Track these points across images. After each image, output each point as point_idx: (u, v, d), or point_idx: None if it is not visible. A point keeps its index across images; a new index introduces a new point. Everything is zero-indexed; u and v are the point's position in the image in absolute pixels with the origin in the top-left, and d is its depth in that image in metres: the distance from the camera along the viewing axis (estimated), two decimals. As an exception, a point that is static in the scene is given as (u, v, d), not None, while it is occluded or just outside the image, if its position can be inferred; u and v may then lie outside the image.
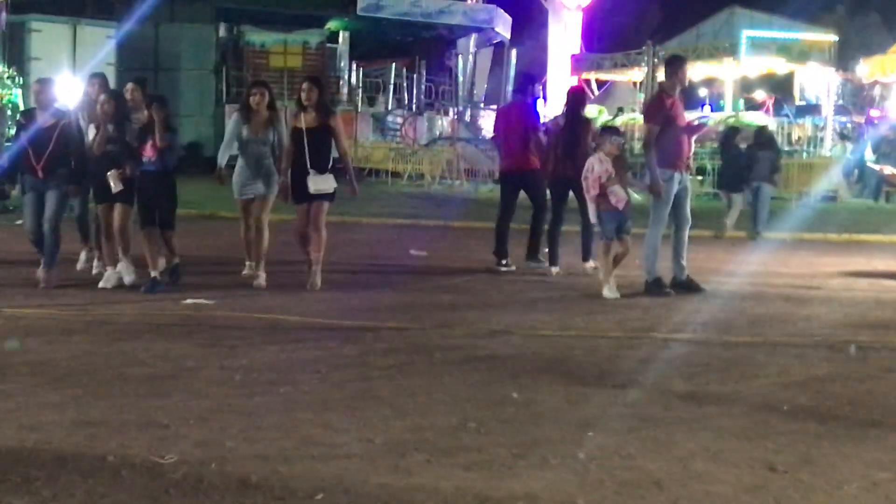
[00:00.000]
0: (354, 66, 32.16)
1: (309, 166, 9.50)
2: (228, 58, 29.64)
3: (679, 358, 6.97)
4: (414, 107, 33.25)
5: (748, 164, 16.10)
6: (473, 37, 34.79)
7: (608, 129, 10.39)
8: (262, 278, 9.75)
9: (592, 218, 9.89)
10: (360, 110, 31.13)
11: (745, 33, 28.90)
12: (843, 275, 11.68)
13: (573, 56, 36.76)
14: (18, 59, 24.86)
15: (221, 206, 17.13)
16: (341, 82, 31.27)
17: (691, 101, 38.36)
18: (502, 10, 34.85)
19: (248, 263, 10.31)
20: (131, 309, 8.44)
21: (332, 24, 31.22)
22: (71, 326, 7.57)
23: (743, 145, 17.06)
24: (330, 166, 9.64)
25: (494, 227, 11.61)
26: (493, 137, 12.36)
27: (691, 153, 10.33)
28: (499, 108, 12.80)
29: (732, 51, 29.23)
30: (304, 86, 9.65)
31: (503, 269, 11.24)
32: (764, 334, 7.93)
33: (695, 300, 9.44)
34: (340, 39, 31.42)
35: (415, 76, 34.09)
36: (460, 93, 34.26)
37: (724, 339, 7.67)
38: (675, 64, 10.14)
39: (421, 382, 6.12)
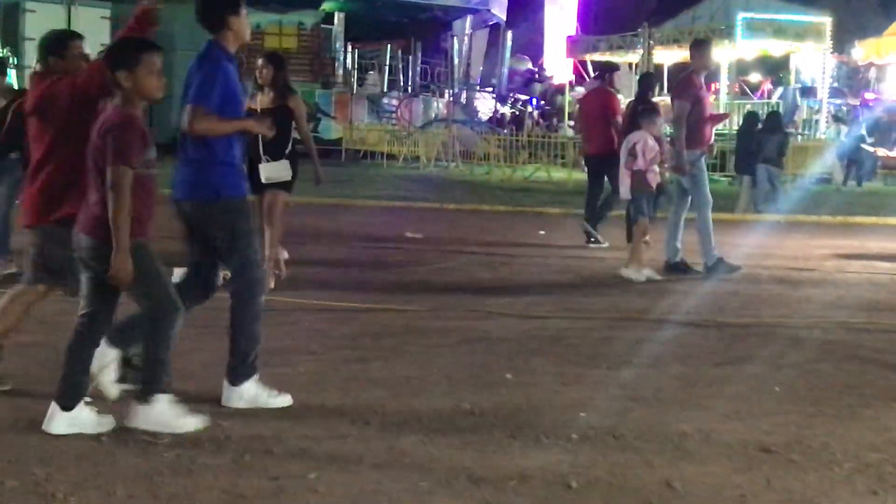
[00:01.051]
0: (349, 48, 32.06)
1: (262, 152, 8.32)
2: (223, 39, 29.49)
3: (673, 340, 6.98)
4: (409, 89, 33.17)
5: (758, 147, 16.34)
6: (469, 18, 34.68)
7: (649, 109, 10.34)
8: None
9: (626, 194, 9.90)
10: (354, 92, 31.04)
11: (741, 15, 28.80)
12: (837, 257, 11.71)
13: (569, 38, 36.60)
14: (13, 40, 24.78)
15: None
16: (336, 64, 31.17)
17: (687, 84, 38.29)
18: (498, -9, 34.74)
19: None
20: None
21: (327, 5, 31.10)
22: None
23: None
24: (288, 151, 8.56)
25: (584, 207, 12.15)
26: (574, 123, 12.92)
27: (712, 139, 10.67)
28: (580, 97, 13.48)
29: (728, 33, 29.13)
30: (259, 62, 8.62)
31: (593, 244, 11.74)
32: (757, 316, 7.95)
33: (688, 282, 9.46)
34: (336, 20, 31.31)
35: (410, 58, 33.98)
36: (456, 75, 34.18)
37: (718, 320, 7.69)
38: (702, 46, 10.30)
39: (415, 364, 6.13)
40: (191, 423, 4.68)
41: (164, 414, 4.65)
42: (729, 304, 8.43)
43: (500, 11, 35.09)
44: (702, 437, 4.76)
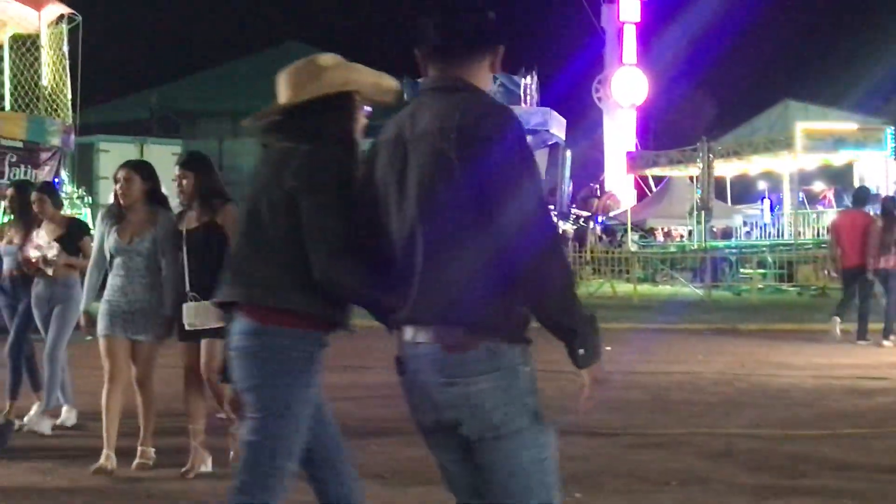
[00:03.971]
0: (412, 173, 32.69)
1: (188, 287, 6.35)
2: (289, 169, 30.27)
3: (744, 452, 6.93)
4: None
5: None
6: (528, 139, 35.16)
7: None
8: (148, 456, 6.69)
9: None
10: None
11: (800, 126, 28.92)
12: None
13: (629, 153, 37.02)
14: (87, 178, 25.65)
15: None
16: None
17: (750, 195, 38.34)
18: (556, 113, 35.27)
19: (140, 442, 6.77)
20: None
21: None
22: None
23: None
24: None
25: (857, 313, 13.68)
26: (835, 239, 14.39)
27: None
28: (839, 215, 15.76)
29: (788, 144, 29.23)
30: (175, 172, 6.51)
31: (863, 343, 13.36)
32: (831, 427, 7.86)
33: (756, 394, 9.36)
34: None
35: (472, 180, 34.50)
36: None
37: (787, 432, 7.61)
38: None
39: (484, 485, 6.15)
40: None
41: None
42: (801, 416, 8.33)
43: (559, 131, 35.59)
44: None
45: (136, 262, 6.60)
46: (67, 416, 8.04)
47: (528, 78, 34.41)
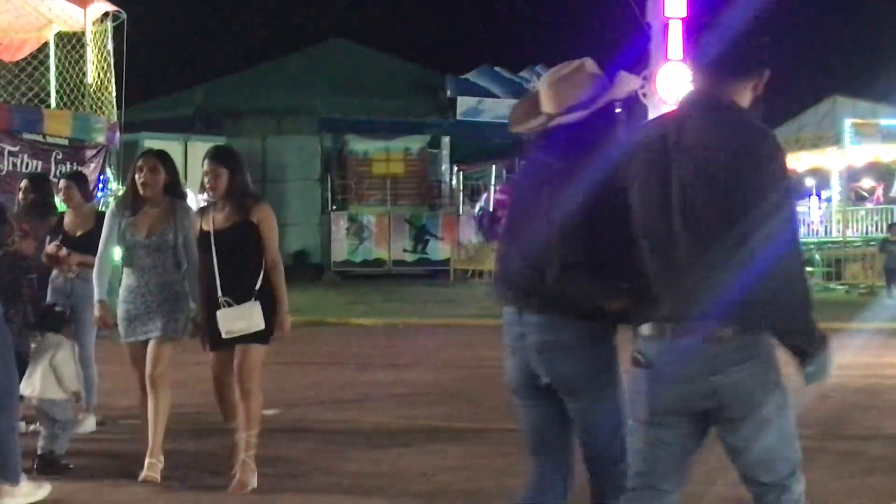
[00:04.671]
0: (455, 170, 32.64)
1: (220, 292, 5.97)
2: (333, 167, 30.37)
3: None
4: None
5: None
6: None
7: None
8: (157, 468, 6.17)
9: None
10: (461, 213, 31.49)
11: (849, 122, 28.57)
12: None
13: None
14: (133, 175, 25.85)
15: (328, 312, 17.43)
16: (443, 185, 31.73)
17: (798, 192, 37.92)
18: (600, 109, 35.12)
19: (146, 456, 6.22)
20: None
21: (432, 131, 31.82)
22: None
23: None
24: (258, 288, 6.00)
25: None
26: None
27: None
28: None
29: (836, 140, 28.88)
30: (206, 167, 6.06)
31: None
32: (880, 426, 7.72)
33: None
34: (441, 144, 31.98)
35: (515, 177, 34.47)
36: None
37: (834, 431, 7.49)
38: None
39: (527, 484, 6.09)
40: None
41: None
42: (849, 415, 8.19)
43: (603, 127, 35.44)
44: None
45: (153, 258, 6.20)
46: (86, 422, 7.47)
47: (572, 74, 34.25)
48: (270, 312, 5.99)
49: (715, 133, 3.24)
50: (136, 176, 6.27)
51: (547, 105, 3.76)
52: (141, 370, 6.23)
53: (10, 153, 14.42)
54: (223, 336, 5.94)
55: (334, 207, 29.67)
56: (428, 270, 29.25)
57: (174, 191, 6.38)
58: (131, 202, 6.34)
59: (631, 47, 35.74)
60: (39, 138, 15.10)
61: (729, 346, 3.25)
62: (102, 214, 7.30)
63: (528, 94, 3.99)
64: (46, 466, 6.21)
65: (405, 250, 29.78)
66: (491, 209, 32.73)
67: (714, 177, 3.20)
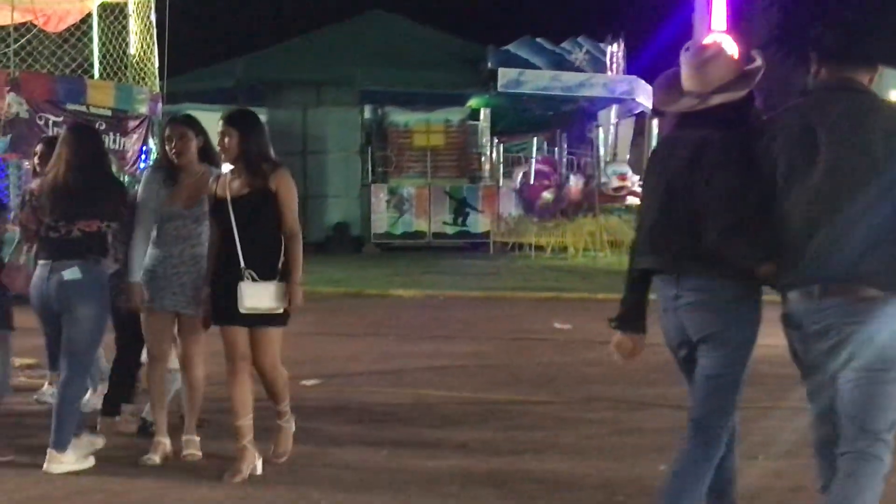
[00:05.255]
0: (495, 142, 32.54)
1: (243, 263, 5.59)
2: (373, 138, 30.37)
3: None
4: (554, 179, 33.40)
5: None
6: (614, 108, 34.81)
7: None
8: (196, 444, 6.10)
9: None
10: (501, 185, 31.43)
11: (894, 94, 28.20)
12: None
13: (665, 121, 36.50)
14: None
15: (368, 284, 17.48)
16: (483, 158, 31.67)
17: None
18: (643, 81, 34.81)
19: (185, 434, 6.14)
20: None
21: (473, 102, 31.72)
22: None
23: None
24: (282, 263, 5.66)
25: None
26: None
27: None
28: None
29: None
30: (221, 127, 5.71)
31: None
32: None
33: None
34: (482, 116, 31.88)
35: (556, 149, 34.27)
36: (601, 164, 34.24)
37: None
38: None
39: (567, 456, 6.10)
40: None
41: None
42: None
43: (645, 100, 35.11)
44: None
45: (189, 229, 5.98)
46: (91, 399, 7.11)
47: (615, 46, 33.98)
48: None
49: (860, 110, 3.74)
50: (167, 146, 6.04)
51: (692, 85, 4.08)
52: (154, 338, 6.07)
53: (55, 123, 14.57)
54: (243, 311, 5.55)
55: (374, 179, 29.70)
56: (468, 243, 29.24)
57: (209, 157, 6.08)
58: (166, 174, 6.07)
59: (674, 18, 35.36)
60: (83, 109, 15.24)
61: (873, 305, 3.62)
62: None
63: (666, 76, 4.24)
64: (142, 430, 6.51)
65: (445, 222, 29.77)
66: (531, 181, 32.68)
67: (867, 151, 3.65)
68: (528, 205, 31.47)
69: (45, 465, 5.70)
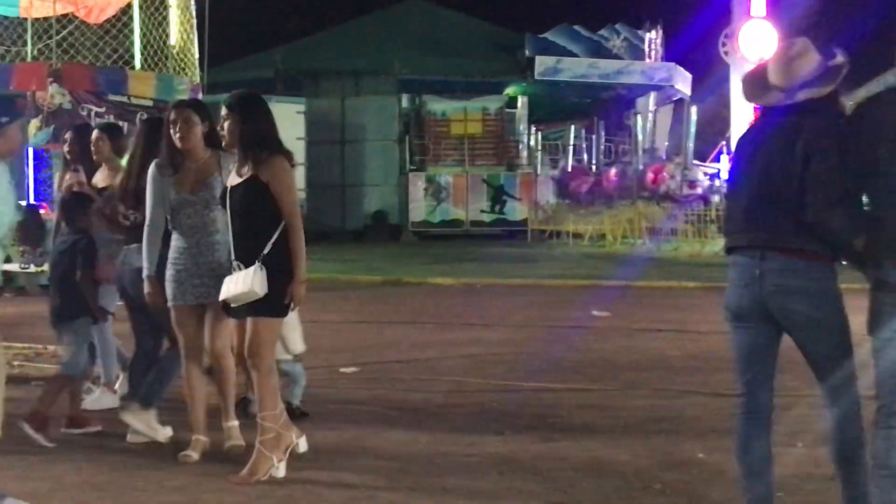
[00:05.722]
0: (533, 130, 32.50)
1: (233, 255, 5.48)
2: (411, 127, 30.44)
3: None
4: (593, 167, 33.31)
5: None
6: (652, 95, 34.66)
7: None
8: (234, 434, 5.98)
9: None
10: (539, 173, 31.39)
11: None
12: None
13: (757, 109, 36.16)
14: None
15: (406, 272, 17.54)
16: (520, 146, 31.64)
17: None
18: (681, 68, 34.59)
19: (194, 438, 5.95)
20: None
21: (510, 90, 31.69)
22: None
23: None
24: (267, 252, 5.32)
25: None
26: None
27: None
28: None
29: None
30: (224, 113, 5.56)
31: None
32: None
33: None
34: (519, 104, 31.85)
35: (593, 136, 34.18)
36: (640, 151, 34.11)
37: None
38: None
39: (604, 443, 6.11)
40: None
41: None
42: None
43: (684, 87, 34.94)
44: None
45: (201, 216, 5.79)
46: (103, 396, 7.20)
47: (653, 32, 33.79)
48: (285, 281, 5.34)
49: None
50: (171, 130, 5.86)
51: (778, 80, 4.29)
52: (185, 334, 5.89)
53: (97, 114, 14.73)
54: (222, 299, 5.43)
55: (412, 168, 29.76)
56: (505, 231, 29.26)
57: (214, 141, 5.85)
58: (170, 159, 5.89)
59: (712, 4, 35.07)
60: (125, 99, 15.38)
61: None
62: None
63: (751, 71, 4.49)
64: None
65: (483, 211, 29.80)
66: (570, 170, 32.57)
67: None
68: (570, 194, 31.36)
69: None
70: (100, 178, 7.22)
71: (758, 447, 4.42)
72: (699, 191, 29.70)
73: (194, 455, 5.81)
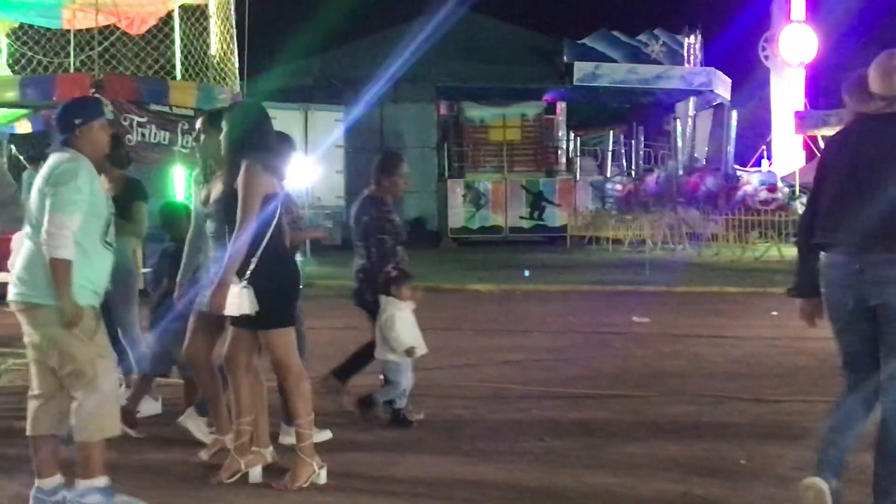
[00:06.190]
0: (572, 136, 32.44)
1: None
2: (449, 134, 30.49)
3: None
4: (632, 172, 33.19)
5: None
6: (692, 100, 34.49)
7: None
8: (266, 455, 5.68)
9: None
10: (578, 179, 31.32)
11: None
12: None
13: (797, 113, 35.81)
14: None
15: (445, 278, 17.56)
16: (559, 152, 31.59)
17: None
18: (721, 72, 34.41)
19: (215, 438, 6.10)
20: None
21: (549, 96, 31.66)
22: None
23: None
24: (252, 269, 5.16)
25: None
26: None
27: None
28: None
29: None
30: (198, 124, 5.81)
31: None
32: None
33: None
34: (558, 110, 31.80)
35: (633, 142, 34.06)
36: (679, 157, 33.94)
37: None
38: None
39: (645, 449, 6.10)
40: None
41: None
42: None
43: (724, 91, 34.74)
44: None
45: (219, 226, 5.48)
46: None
47: (692, 37, 33.65)
48: (275, 294, 5.25)
49: None
50: (198, 141, 5.93)
51: (880, 89, 4.51)
52: (229, 348, 5.57)
53: (139, 124, 14.89)
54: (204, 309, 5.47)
55: (451, 175, 29.80)
56: (545, 237, 29.22)
57: None
58: (202, 171, 5.95)
59: (752, 8, 34.86)
60: (166, 109, 15.54)
61: None
62: (131, 181, 7.13)
63: (853, 79, 4.66)
64: (393, 421, 6.81)
65: (522, 217, 29.79)
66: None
67: None
68: (620, 203, 31.13)
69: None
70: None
71: (852, 410, 4.69)
72: (779, 195, 28.80)
73: (257, 472, 5.51)
